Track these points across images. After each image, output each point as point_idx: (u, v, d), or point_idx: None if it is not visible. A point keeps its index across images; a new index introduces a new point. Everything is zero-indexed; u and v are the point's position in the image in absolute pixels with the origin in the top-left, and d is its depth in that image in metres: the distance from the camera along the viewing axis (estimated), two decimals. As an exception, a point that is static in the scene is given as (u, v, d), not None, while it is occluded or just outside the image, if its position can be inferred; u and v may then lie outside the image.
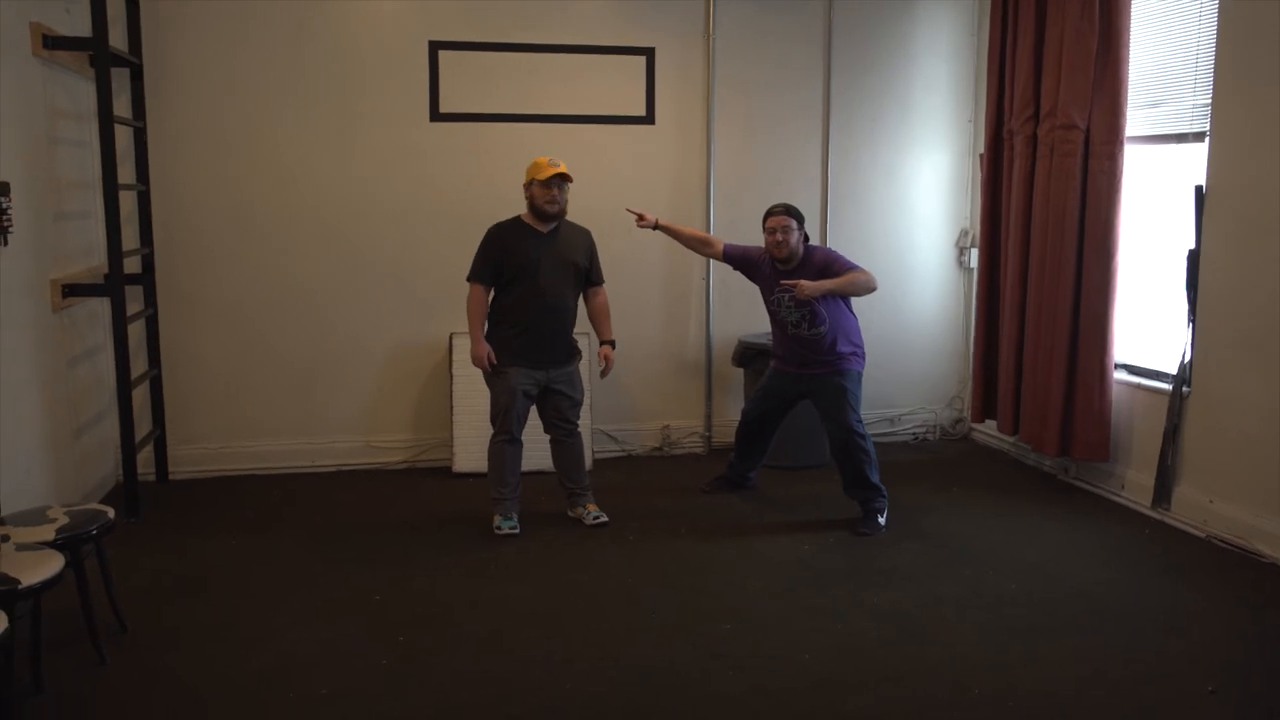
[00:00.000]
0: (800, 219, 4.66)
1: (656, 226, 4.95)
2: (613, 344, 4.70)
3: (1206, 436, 4.56)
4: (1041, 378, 5.22)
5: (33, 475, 4.17)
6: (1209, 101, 4.51)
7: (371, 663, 3.33)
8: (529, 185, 4.51)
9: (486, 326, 4.58)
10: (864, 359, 4.75)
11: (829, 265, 4.63)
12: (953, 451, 6.12)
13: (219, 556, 4.29)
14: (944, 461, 5.89)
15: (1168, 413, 4.70)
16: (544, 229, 4.53)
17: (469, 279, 4.55)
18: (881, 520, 4.62)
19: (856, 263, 4.66)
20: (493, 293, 4.57)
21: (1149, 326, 5.05)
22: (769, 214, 4.69)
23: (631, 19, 5.67)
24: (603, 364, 4.67)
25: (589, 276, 4.66)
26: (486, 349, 4.46)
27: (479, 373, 4.62)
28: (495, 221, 4.62)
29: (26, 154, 4.26)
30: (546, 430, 4.70)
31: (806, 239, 4.72)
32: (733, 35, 5.79)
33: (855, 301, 4.78)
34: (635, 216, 4.93)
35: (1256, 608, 3.78)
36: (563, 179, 4.47)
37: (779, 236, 4.61)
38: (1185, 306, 4.62)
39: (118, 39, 4.87)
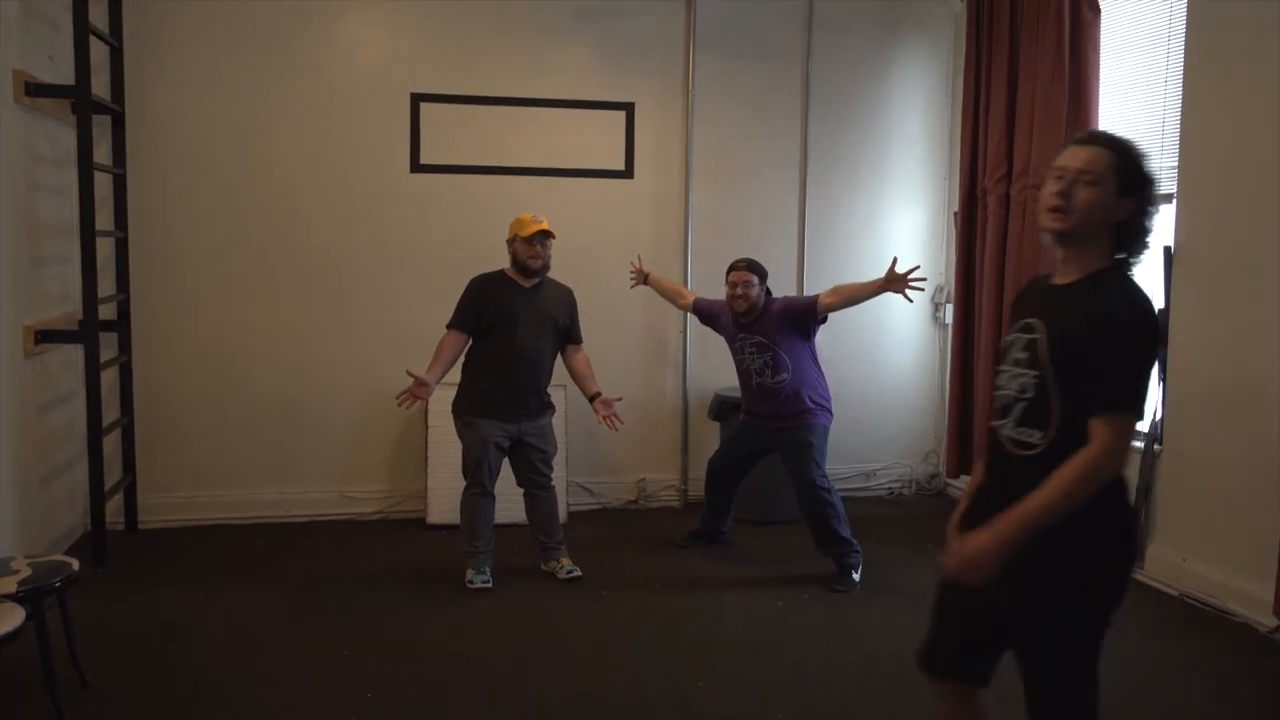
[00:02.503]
0: (763, 274, 4.77)
1: (646, 280, 5.18)
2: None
3: (1179, 495, 4.59)
4: (1016, 434, 5.24)
5: (-2, 524, 4.11)
6: (1176, 164, 4.60)
7: (340, 719, 3.28)
8: (512, 241, 4.54)
9: (461, 379, 4.59)
10: (831, 415, 4.78)
11: (788, 310, 4.72)
12: (928, 507, 6.12)
13: (186, 608, 4.22)
14: (919, 517, 5.89)
15: (1140, 470, 4.73)
16: (526, 284, 4.55)
17: (448, 326, 4.55)
18: (856, 576, 4.61)
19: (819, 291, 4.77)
20: (470, 343, 4.58)
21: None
22: (732, 268, 4.80)
23: (611, 74, 5.75)
24: (605, 411, 4.59)
25: (568, 335, 4.67)
26: (426, 381, 4.35)
27: (453, 424, 4.60)
28: (474, 272, 4.64)
29: (5, 199, 4.26)
30: (520, 483, 4.68)
31: (769, 293, 4.81)
32: (712, 90, 5.87)
33: (834, 353, 4.82)
34: (635, 270, 5.23)
35: (1229, 668, 3.79)
36: (545, 235, 4.50)
37: (739, 291, 4.72)
38: (1155, 365, 4.67)
39: (100, 87, 4.89)
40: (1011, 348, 2.26)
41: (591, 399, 4.65)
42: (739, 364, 4.85)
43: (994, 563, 2.09)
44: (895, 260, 4.49)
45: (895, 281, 4.42)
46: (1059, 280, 2.24)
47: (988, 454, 2.34)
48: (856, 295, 4.64)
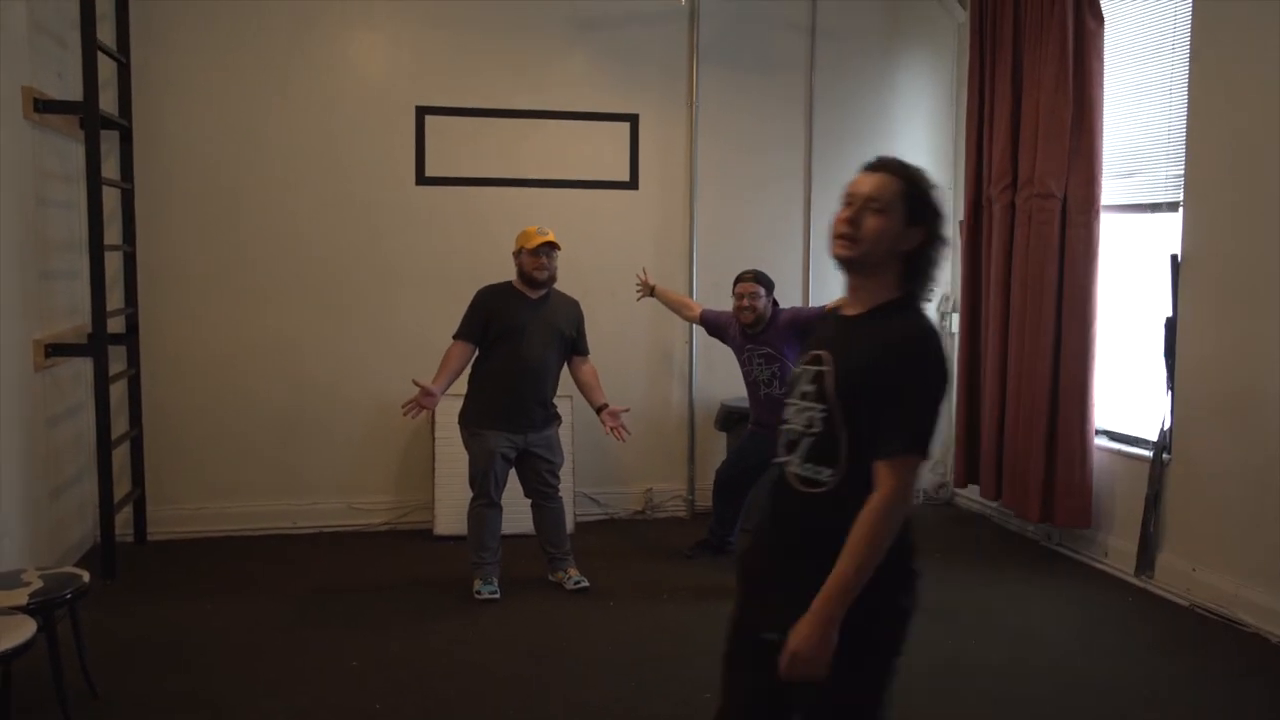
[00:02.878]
0: (769, 286, 4.77)
1: (651, 293, 5.20)
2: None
3: (1188, 504, 4.58)
4: (1022, 443, 5.24)
5: (10, 536, 4.13)
6: (1182, 172, 4.60)
7: (346, 731, 3.29)
8: (518, 253, 4.56)
9: (467, 390, 4.60)
10: None
11: (795, 320, 4.73)
12: (936, 516, 6.11)
13: (195, 620, 4.23)
14: (927, 526, 5.87)
15: (1149, 480, 4.72)
16: (533, 295, 4.57)
17: (454, 336, 4.56)
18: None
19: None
20: (476, 354, 4.59)
21: (1129, 393, 5.09)
22: (738, 280, 4.82)
23: (616, 86, 5.77)
24: (612, 422, 4.61)
25: (575, 346, 4.68)
26: (432, 391, 4.36)
27: (460, 435, 4.62)
28: (479, 284, 4.66)
29: (15, 215, 4.29)
30: (527, 494, 4.68)
31: (775, 304, 4.81)
32: (715, 101, 5.89)
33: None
34: (640, 284, 5.22)
35: (1238, 678, 3.77)
36: (551, 247, 4.52)
37: (746, 303, 4.74)
38: (1164, 374, 4.67)
39: (108, 102, 4.93)
40: (799, 380, 2.19)
41: (599, 410, 4.65)
42: (747, 375, 4.86)
43: (825, 648, 1.98)
44: None
45: None
46: (848, 311, 2.18)
47: (772, 491, 2.24)
48: None
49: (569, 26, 5.70)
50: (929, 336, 2.07)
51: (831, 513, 2.04)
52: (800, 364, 2.21)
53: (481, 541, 4.54)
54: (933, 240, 2.13)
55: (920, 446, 2.01)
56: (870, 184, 2.12)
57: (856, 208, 2.10)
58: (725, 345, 5.04)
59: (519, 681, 3.68)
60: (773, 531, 2.23)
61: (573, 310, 4.71)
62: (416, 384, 4.37)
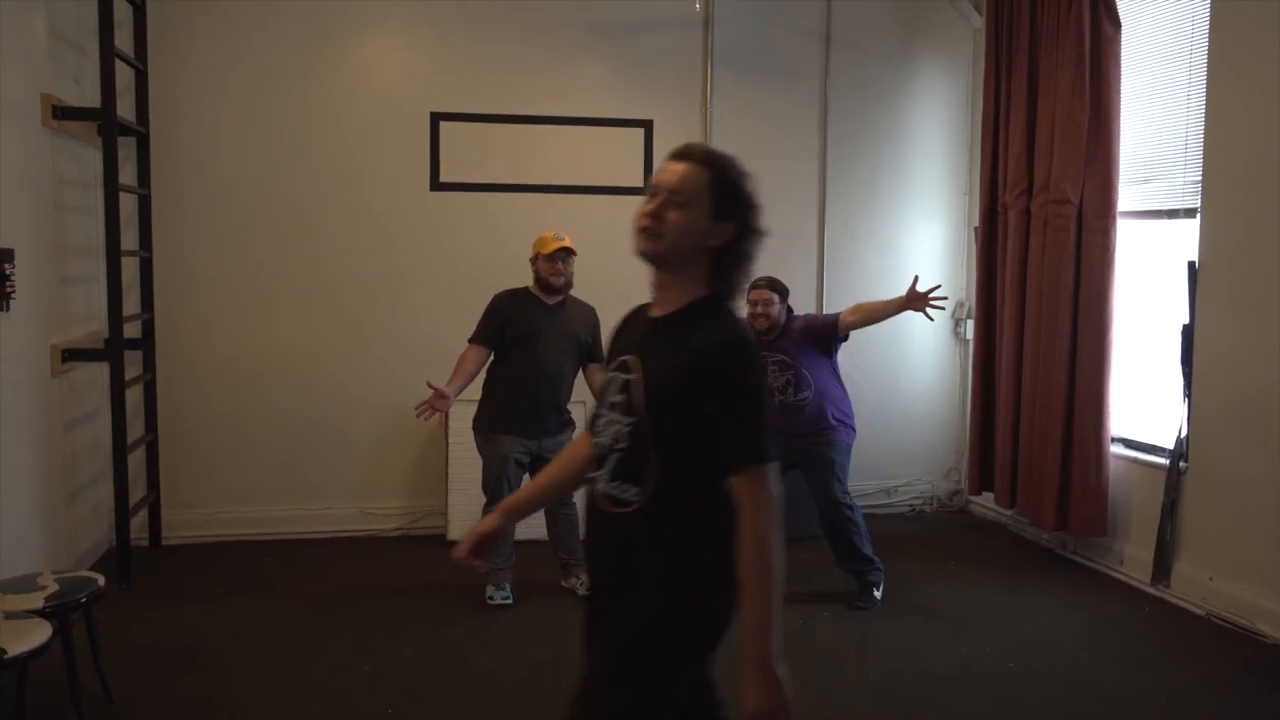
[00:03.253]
0: (783, 293, 4.74)
1: None
2: None
3: (1205, 512, 4.54)
4: (1038, 450, 5.21)
5: (26, 540, 4.15)
6: (1199, 178, 4.57)
7: (359, 737, 3.29)
8: (534, 259, 4.57)
9: (481, 394, 4.61)
10: (854, 432, 4.77)
11: (809, 328, 4.72)
12: (950, 524, 6.08)
13: (209, 624, 4.25)
14: (941, 534, 5.85)
15: (1165, 488, 4.68)
16: (549, 301, 4.58)
17: (470, 340, 4.57)
18: (877, 594, 4.58)
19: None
20: (491, 358, 4.60)
21: (1146, 400, 5.06)
22: (752, 287, 4.77)
23: (630, 91, 5.78)
24: None
25: (590, 353, 4.69)
26: (446, 394, 4.36)
27: (473, 440, 4.62)
28: (494, 289, 4.66)
29: (33, 220, 4.32)
30: (541, 500, 4.68)
31: (790, 311, 4.80)
32: (730, 107, 5.89)
33: (855, 369, 4.81)
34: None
35: (1256, 689, 3.74)
36: (567, 253, 4.53)
37: (760, 309, 4.70)
38: (1181, 381, 4.64)
39: (125, 109, 4.96)
40: (608, 389, 2.02)
41: None
42: None
43: (776, 691, 1.89)
44: (916, 279, 4.48)
45: (916, 300, 4.41)
46: (656, 311, 2.03)
47: (588, 509, 2.08)
48: (877, 313, 4.64)
49: (583, 32, 5.71)
50: (738, 339, 1.94)
51: (641, 537, 1.90)
52: (609, 370, 2.06)
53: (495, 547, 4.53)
54: (744, 235, 1.99)
55: (761, 453, 1.88)
56: (674, 175, 1.98)
57: (659, 201, 1.97)
58: None
59: (531, 687, 3.68)
60: (591, 555, 2.10)
61: (589, 317, 4.71)
62: (430, 386, 4.38)
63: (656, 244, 1.97)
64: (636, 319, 2.11)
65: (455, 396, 4.44)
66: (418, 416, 4.42)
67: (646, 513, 1.91)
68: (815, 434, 4.68)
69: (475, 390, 4.64)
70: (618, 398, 1.97)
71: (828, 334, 4.69)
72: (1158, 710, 3.54)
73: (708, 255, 1.98)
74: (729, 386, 1.88)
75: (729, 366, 1.89)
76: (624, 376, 1.98)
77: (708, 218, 1.96)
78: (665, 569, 1.93)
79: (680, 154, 2.02)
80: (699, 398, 1.88)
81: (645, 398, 1.92)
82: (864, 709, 3.54)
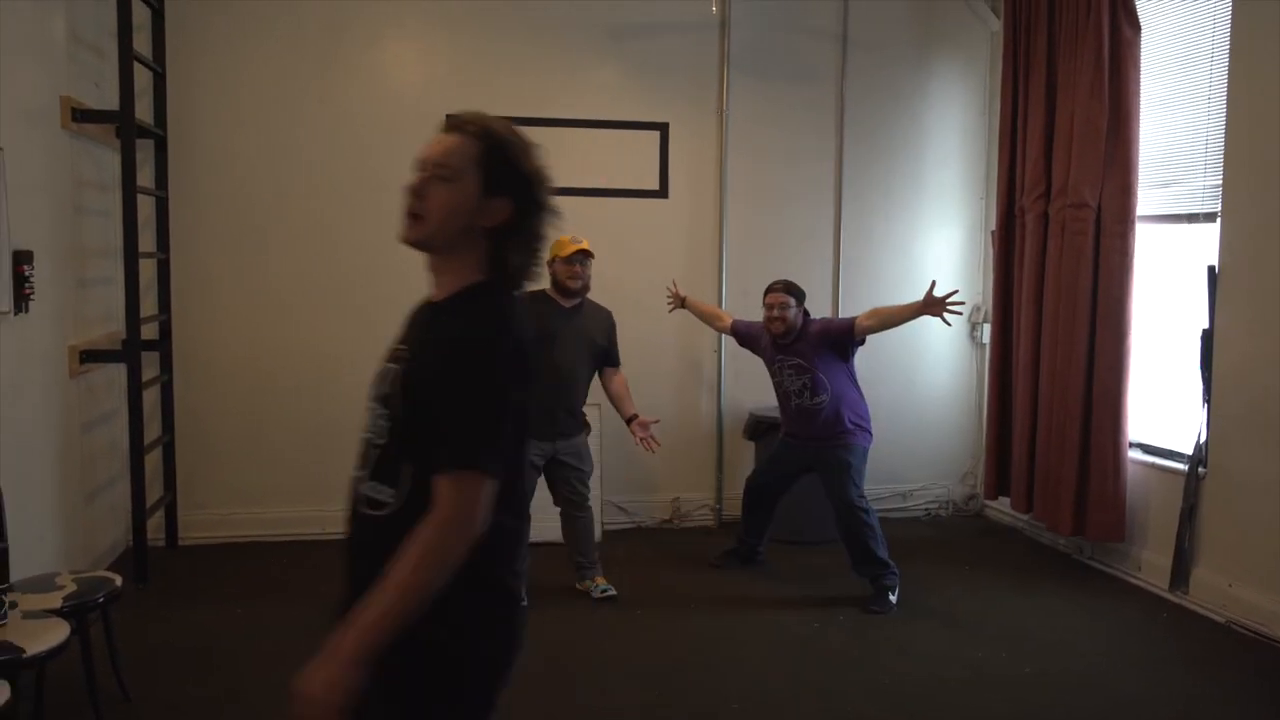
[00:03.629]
0: (799, 296, 4.75)
1: (683, 304, 5.22)
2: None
3: (1224, 518, 4.50)
4: (1055, 455, 5.18)
5: (45, 540, 4.18)
6: (1220, 182, 4.54)
7: (373, 738, 3.29)
8: (551, 262, 4.56)
9: None
10: (870, 436, 4.75)
11: (826, 331, 4.71)
12: (966, 528, 6.05)
13: (225, 624, 4.26)
14: (957, 539, 5.83)
15: (1184, 493, 4.65)
16: (566, 304, 4.57)
17: None
18: (892, 598, 4.56)
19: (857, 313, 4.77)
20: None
21: (1164, 405, 5.02)
22: (768, 290, 4.79)
23: (646, 94, 5.78)
24: (642, 433, 4.61)
25: (606, 357, 4.69)
26: None
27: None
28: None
29: (52, 223, 4.35)
30: (557, 503, 4.68)
31: (806, 314, 4.79)
32: (746, 110, 5.88)
33: (870, 373, 4.80)
34: (671, 296, 5.23)
35: (1276, 697, 3.70)
36: (585, 255, 4.53)
37: (776, 313, 4.71)
38: (1200, 386, 4.60)
39: (144, 111, 4.99)
40: (379, 381, 1.84)
41: (629, 421, 4.65)
42: (777, 386, 4.84)
43: (338, 692, 1.64)
44: (934, 284, 4.47)
45: (933, 305, 4.39)
46: (433, 298, 1.84)
47: (347, 512, 1.86)
48: (894, 318, 4.62)
49: (599, 34, 5.72)
50: (483, 332, 1.71)
51: (391, 541, 1.65)
52: (383, 361, 1.88)
53: (509, 549, 4.53)
54: (524, 214, 1.78)
55: (475, 459, 1.65)
56: (439, 147, 1.76)
57: (423, 177, 1.75)
58: (756, 356, 5.02)
59: (544, 689, 3.68)
60: (345, 563, 1.85)
61: (605, 320, 4.71)
62: None
63: (418, 229, 1.76)
64: (420, 307, 1.90)
65: None
66: None
67: (400, 518, 1.67)
68: (831, 437, 4.67)
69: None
70: (385, 389, 1.79)
71: (844, 338, 4.67)
72: (1175, 717, 3.52)
73: (483, 236, 1.76)
74: (456, 381, 1.67)
75: (460, 360, 1.68)
76: (393, 367, 1.80)
77: (477, 194, 1.74)
78: None
79: (450, 124, 1.80)
80: (436, 388, 1.68)
81: (402, 388, 1.73)
82: (878, 713, 3.52)
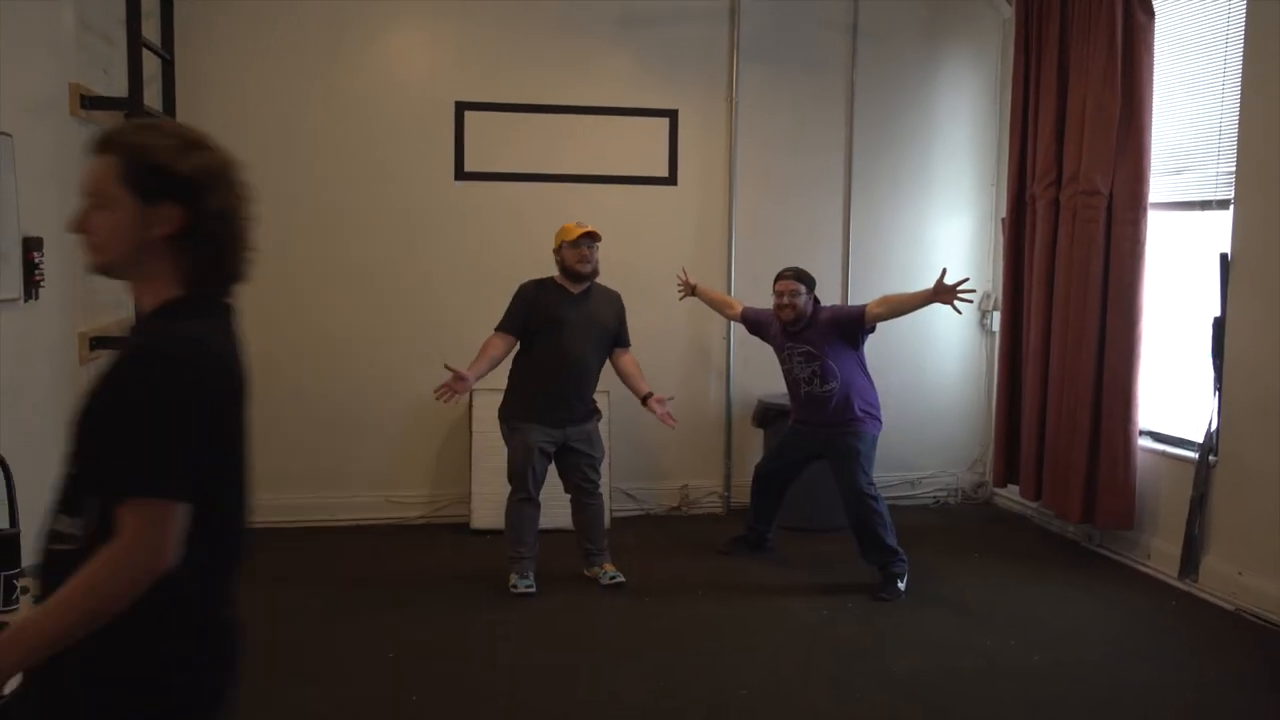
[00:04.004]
0: (809, 283, 4.73)
1: (693, 292, 5.22)
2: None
3: (1235, 506, 4.49)
4: (1064, 443, 5.17)
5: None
6: (1233, 169, 4.51)
7: (382, 724, 3.31)
8: (559, 249, 4.55)
9: (507, 384, 4.62)
10: (880, 423, 4.75)
11: (836, 319, 4.70)
12: (974, 516, 6.05)
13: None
14: (965, 526, 5.82)
15: (1194, 481, 4.63)
16: (575, 290, 4.56)
17: (496, 328, 4.57)
18: (901, 585, 4.56)
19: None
20: (517, 348, 4.60)
21: (1175, 393, 5.00)
22: (778, 278, 4.78)
23: (655, 82, 5.76)
24: (660, 409, 4.63)
25: (618, 338, 4.69)
26: (464, 376, 4.35)
27: (498, 430, 4.63)
28: (518, 279, 4.66)
29: (61, 210, 4.33)
30: (568, 490, 4.69)
31: (816, 302, 4.77)
32: (755, 97, 5.85)
33: (880, 360, 4.79)
34: (681, 284, 5.24)
35: (1286, 685, 3.70)
36: (592, 238, 4.51)
37: (786, 300, 4.70)
38: (1211, 374, 4.58)
39: (153, 99, 4.99)
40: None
41: (644, 399, 4.66)
42: (787, 373, 4.83)
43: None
44: (944, 272, 4.44)
45: (944, 293, 4.36)
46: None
47: (39, 547, 1.71)
48: (904, 305, 4.60)
49: (609, 22, 5.69)
50: (158, 348, 1.59)
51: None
52: None
53: (519, 536, 4.55)
54: (198, 216, 1.64)
55: (153, 486, 1.53)
56: (88, 174, 1.65)
57: (84, 208, 1.65)
58: (766, 343, 5.01)
59: (553, 675, 3.69)
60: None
61: (614, 303, 4.71)
62: (448, 368, 4.37)
63: (97, 259, 1.66)
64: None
65: (474, 381, 4.43)
66: (436, 398, 4.41)
67: (88, 552, 1.54)
68: (841, 425, 4.66)
69: (499, 379, 4.65)
70: (73, 417, 1.66)
71: (854, 325, 4.66)
72: (1184, 705, 3.51)
73: (167, 247, 1.64)
74: (125, 405, 1.55)
75: (129, 382, 1.56)
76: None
77: (136, 210, 1.61)
78: (99, 632, 1.53)
79: (93, 145, 1.68)
80: (104, 411, 1.58)
81: (78, 418, 1.62)
82: (886, 701, 3.52)
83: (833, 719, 3.38)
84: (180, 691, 1.64)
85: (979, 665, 3.82)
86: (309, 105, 5.44)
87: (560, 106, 5.67)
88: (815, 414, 4.73)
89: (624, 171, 5.76)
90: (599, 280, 4.65)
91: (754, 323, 5.04)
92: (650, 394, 4.66)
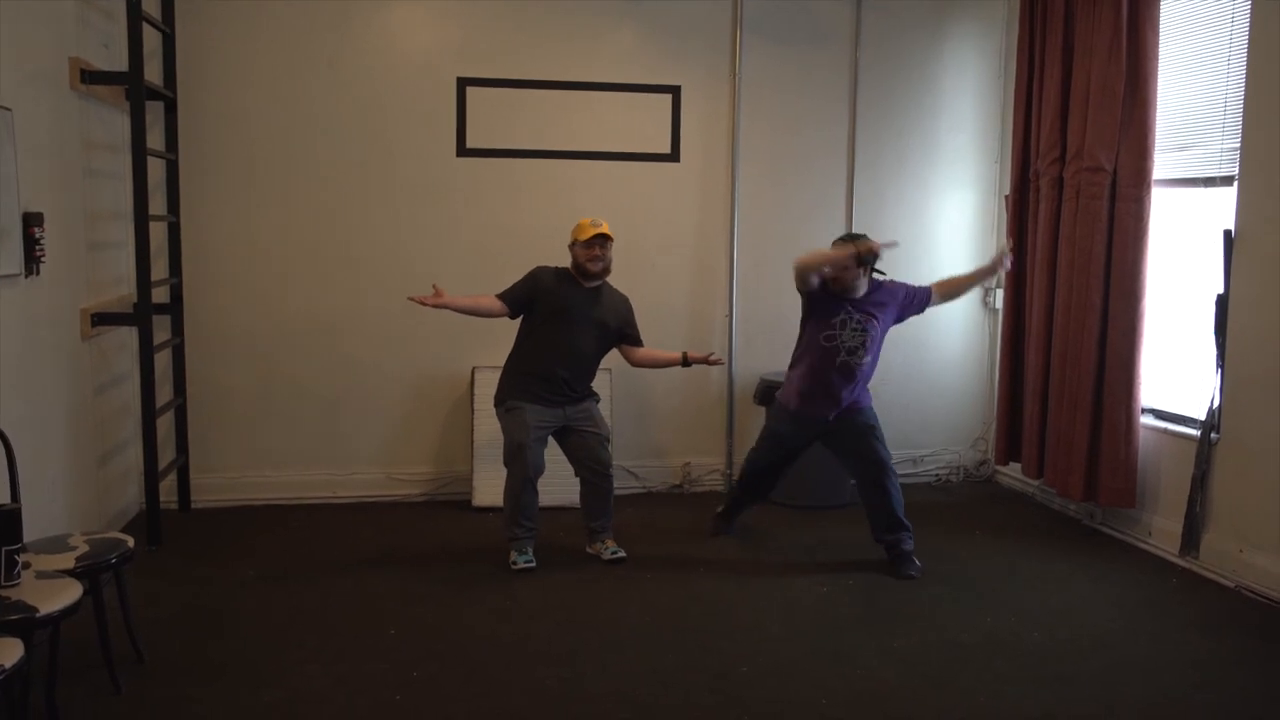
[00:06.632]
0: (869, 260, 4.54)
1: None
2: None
3: (1236, 484, 4.49)
4: (1066, 421, 5.17)
5: (57, 502, 4.21)
6: (1238, 145, 4.48)
7: (384, 698, 3.32)
8: (572, 246, 4.59)
9: (503, 368, 4.66)
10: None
11: (909, 297, 4.69)
12: (976, 494, 6.05)
13: (237, 587, 4.30)
14: (967, 504, 5.82)
15: (1196, 459, 4.63)
16: (586, 285, 4.60)
17: (498, 295, 4.58)
18: (916, 560, 4.56)
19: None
20: (520, 332, 4.62)
21: (1177, 371, 4.99)
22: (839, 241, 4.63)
23: (658, 57, 5.72)
24: (700, 355, 4.77)
25: (623, 337, 4.72)
26: (443, 296, 4.39)
27: (496, 415, 4.65)
28: (520, 256, 4.70)
29: (62, 185, 4.34)
30: (579, 473, 4.69)
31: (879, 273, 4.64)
32: (758, 73, 5.82)
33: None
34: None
35: (1286, 661, 3.70)
36: (604, 239, 4.54)
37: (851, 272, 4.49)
38: (1214, 351, 4.57)
39: (153, 73, 4.97)
40: None
41: (684, 359, 4.76)
42: (826, 339, 4.48)
43: None
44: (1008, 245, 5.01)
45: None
46: None
47: None
48: (959, 289, 4.89)
49: (610, -4, 5.65)
50: None
51: None
52: None
53: (519, 514, 4.55)
54: None
55: None
56: None
57: None
58: (811, 303, 4.58)
59: (554, 651, 3.70)
60: None
61: (622, 305, 4.74)
62: (434, 288, 4.40)
63: None
64: None
65: (451, 307, 4.46)
66: (409, 299, 4.42)
67: None
68: (853, 404, 4.59)
69: (499, 359, 4.65)
70: None
71: (919, 308, 4.71)
72: (1186, 681, 3.52)
73: None
74: None
75: None
76: None
77: None
78: None
79: None
80: None
81: None
82: (887, 677, 3.53)
83: (835, 693, 3.39)
84: None
85: (980, 642, 3.83)
86: (310, 80, 5.41)
87: (562, 82, 5.63)
88: (835, 390, 4.53)
89: (626, 148, 5.73)
90: (611, 281, 4.68)
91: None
92: (684, 352, 4.77)
